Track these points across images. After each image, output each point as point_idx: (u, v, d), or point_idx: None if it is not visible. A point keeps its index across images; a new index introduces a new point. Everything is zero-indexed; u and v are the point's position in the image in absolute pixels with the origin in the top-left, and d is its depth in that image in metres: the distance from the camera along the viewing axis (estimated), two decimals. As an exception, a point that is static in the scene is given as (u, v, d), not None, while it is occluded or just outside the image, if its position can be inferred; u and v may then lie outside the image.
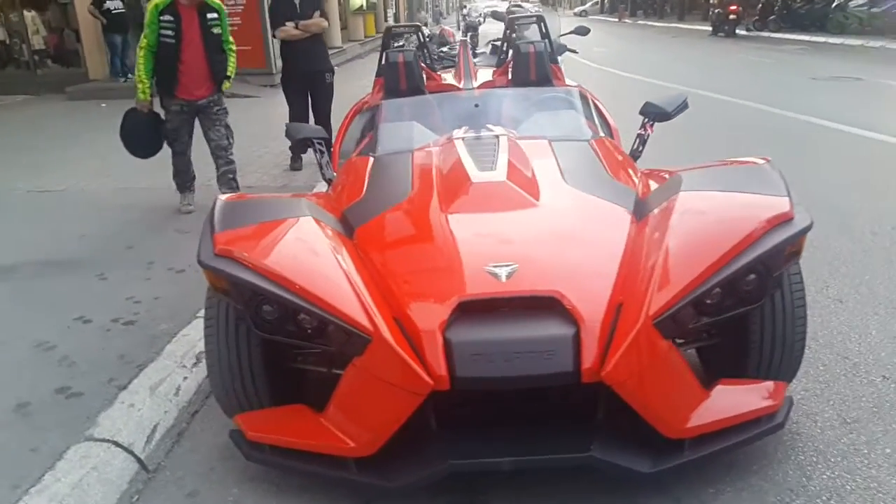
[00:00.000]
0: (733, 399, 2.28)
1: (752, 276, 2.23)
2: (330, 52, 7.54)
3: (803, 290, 2.47)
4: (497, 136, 3.22)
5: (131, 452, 2.50)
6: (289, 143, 6.74)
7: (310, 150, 3.89)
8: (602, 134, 3.64)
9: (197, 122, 5.27)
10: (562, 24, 6.97)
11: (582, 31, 6.71)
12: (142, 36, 5.00)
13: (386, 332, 2.10)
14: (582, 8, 53.84)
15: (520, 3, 21.84)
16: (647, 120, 3.77)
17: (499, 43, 7.09)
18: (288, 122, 6.44)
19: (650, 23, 36.34)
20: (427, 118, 3.73)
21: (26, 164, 7.39)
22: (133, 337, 3.34)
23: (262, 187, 6.02)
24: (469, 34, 13.65)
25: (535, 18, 4.87)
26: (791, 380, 2.56)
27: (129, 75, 12.91)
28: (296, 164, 6.69)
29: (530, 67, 4.17)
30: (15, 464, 2.40)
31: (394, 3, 30.37)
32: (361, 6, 23.17)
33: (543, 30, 4.67)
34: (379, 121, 3.74)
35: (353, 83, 11.21)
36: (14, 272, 4.30)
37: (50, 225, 5.30)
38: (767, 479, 2.30)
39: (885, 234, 4.43)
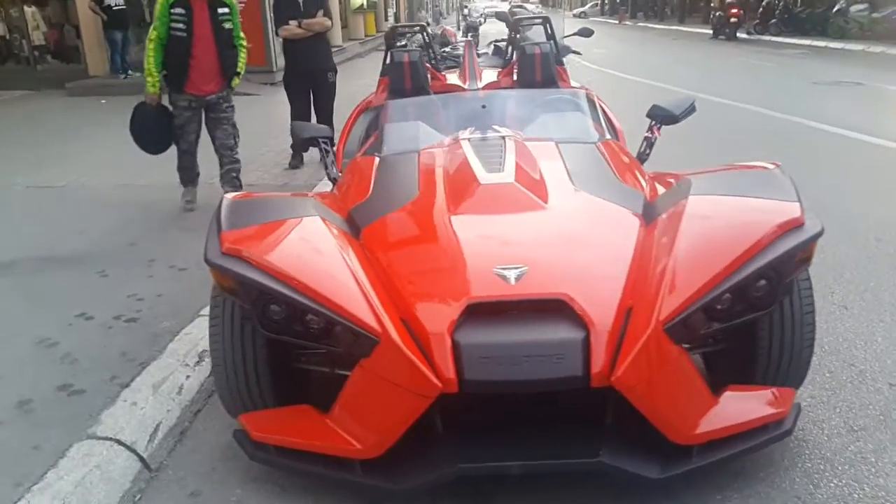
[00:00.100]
0: (742, 405, 2.27)
1: (763, 282, 2.22)
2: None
3: (812, 296, 2.46)
4: (504, 138, 3.20)
5: (134, 451, 2.49)
6: (290, 141, 6.78)
7: (311, 149, 3.87)
8: (608, 136, 3.63)
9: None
10: (565, 25, 6.95)
11: (586, 33, 6.70)
12: (151, 28, 4.94)
13: (394, 333, 2.09)
14: (581, 9, 53.88)
15: (521, 3, 21.84)
16: (654, 123, 3.75)
17: (501, 43, 7.09)
18: (292, 121, 6.45)
19: (650, 25, 36.39)
20: (432, 118, 3.72)
21: (26, 159, 7.37)
22: (135, 334, 3.32)
23: (263, 185, 6.00)
24: (469, 34, 13.65)
25: (540, 20, 4.85)
26: (799, 386, 2.55)
27: (130, 72, 12.90)
28: (294, 162, 6.68)
29: (536, 69, 4.16)
30: (17, 461, 2.38)
31: (394, 2, 30.36)
32: (362, 5, 23.16)
33: (549, 31, 4.65)
34: (384, 121, 3.72)
35: (354, 82, 11.19)
36: (14, 268, 4.27)
37: (50, 221, 5.28)
38: (774, 487, 2.28)
39: (889, 241, 4.42)
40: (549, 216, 2.58)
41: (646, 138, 3.77)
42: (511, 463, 2.09)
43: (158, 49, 4.90)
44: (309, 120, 6.43)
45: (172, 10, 4.83)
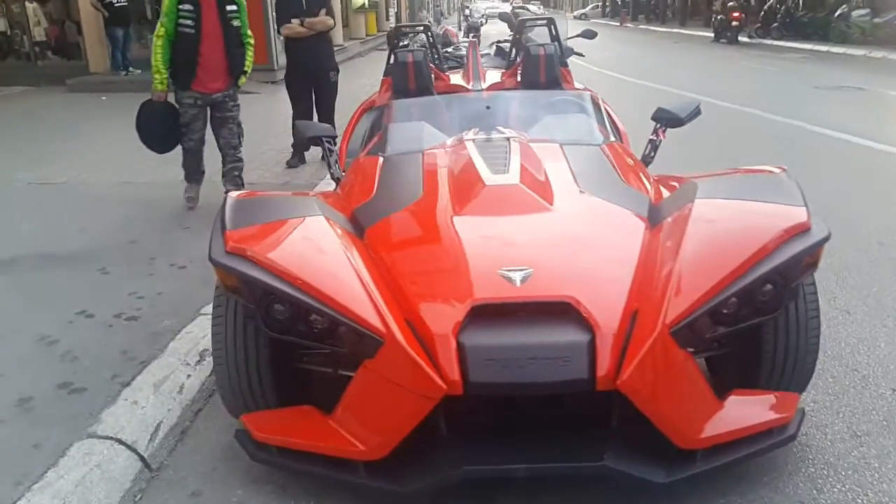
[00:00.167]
0: (746, 410, 2.27)
1: (769, 287, 2.21)
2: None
3: (817, 300, 2.45)
4: (508, 139, 3.19)
5: (135, 450, 2.47)
6: (290, 140, 6.76)
7: (312, 148, 3.86)
8: (613, 139, 3.62)
9: None
10: (568, 26, 6.94)
11: (589, 35, 6.68)
12: (158, 25, 4.88)
13: (398, 334, 2.08)
14: (582, 11, 53.86)
15: (523, 5, 21.82)
16: (659, 125, 3.74)
17: (503, 44, 7.08)
18: (294, 119, 6.44)
19: (652, 27, 36.37)
20: (436, 119, 3.70)
21: (26, 155, 7.36)
22: (136, 333, 3.31)
23: (263, 184, 5.98)
24: (471, 35, 13.63)
25: (545, 21, 4.84)
26: (803, 391, 2.55)
27: (130, 69, 12.88)
28: (293, 161, 6.66)
29: (540, 70, 4.15)
30: (17, 460, 2.36)
31: (395, 2, 30.34)
32: (363, 4, 23.16)
33: (554, 32, 4.64)
34: (388, 120, 3.71)
35: (354, 81, 11.20)
36: (14, 265, 4.26)
37: (50, 218, 5.26)
38: (778, 492, 2.27)
39: (891, 245, 4.41)
40: (555, 218, 2.57)
41: (650, 141, 3.76)
42: (516, 466, 2.08)
43: (166, 46, 4.84)
44: (311, 119, 6.41)
45: (181, 7, 4.78)
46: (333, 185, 3.81)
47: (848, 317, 3.48)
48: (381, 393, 2.13)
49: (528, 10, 15.66)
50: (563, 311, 2.10)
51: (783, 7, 24.21)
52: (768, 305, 2.24)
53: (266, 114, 9.14)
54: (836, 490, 2.28)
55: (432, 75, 4.37)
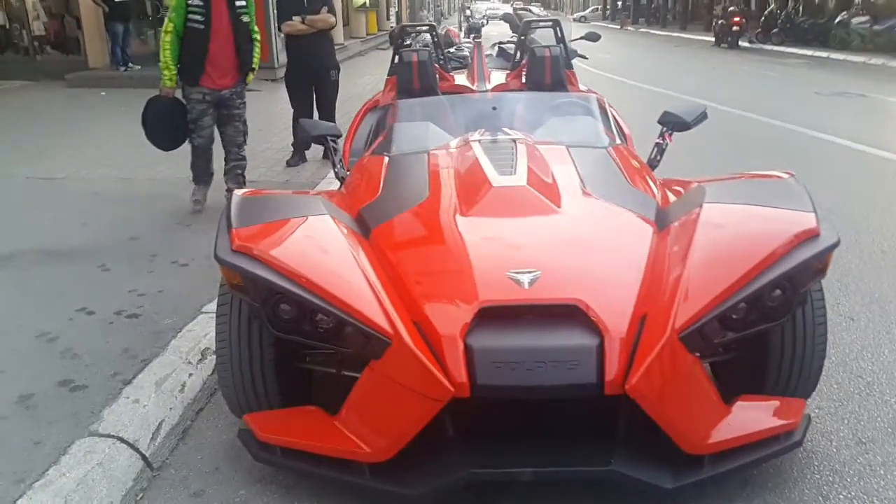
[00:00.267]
0: (753, 415, 2.26)
1: (778, 293, 2.20)
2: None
3: (824, 307, 2.45)
4: (514, 141, 3.18)
5: (136, 449, 2.45)
6: (291, 139, 6.74)
7: (313, 147, 3.84)
8: (619, 141, 3.61)
9: None
10: (572, 29, 6.93)
11: (593, 38, 6.67)
12: (166, 20, 4.81)
13: (406, 335, 2.06)
14: (581, 14, 53.85)
15: (525, 6, 21.81)
16: (665, 129, 3.72)
17: (505, 45, 7.06)
18: (295, 118, 6.41)
19: (652, 31, 36.38)
20: (441, 119, 3.69)
21: (26, 149, 7.32)
22: (137, 330, 3.29)
23: (265, 182, 5.96)
24: (472, 35, 13.61)
25: (550, 23, 4.82)
26: (808, 397, 2.53)
27: (130, 65, 12.84)
28: (293, 160, 6.63)
29: (545, 72, 4.14)
30: (18, 457, 2.34)
31: (396, 1, 30.32)
32: (364, 3, 23.11)
33: (559, 34, 4.63)
34: (393, 120, 3.69)
35: (355, 80, 11.17)
36: (13, 260, 4.23)
37: (50, 213, 5.23)
38: (784, 498, 2.27)
39: (894, 252, 4.41)
40: (562, 220, 2.56)
41: (657, 144, 3.75)
42: (522, 469, 2.06)
43: (175, 41, 4.76)
44: (312, 118, 6.38)
45: (190, 2, 4.70)
46: (335, 184, 3.79)
47: (852, 323, 3.48)
48: (387, 394, 2.12)
49: (530, 11, 15.65)
50: (571, 315, 2.09)
51: (784, 13, 24.25)
52: (777, 311, 2.23)
53: (266, 112, 9.11)
54: (841, 497, 2.27)
55: (437, 75, 4.35)
